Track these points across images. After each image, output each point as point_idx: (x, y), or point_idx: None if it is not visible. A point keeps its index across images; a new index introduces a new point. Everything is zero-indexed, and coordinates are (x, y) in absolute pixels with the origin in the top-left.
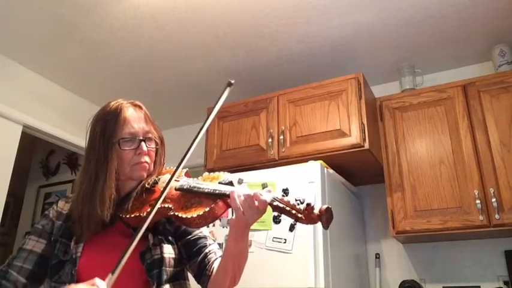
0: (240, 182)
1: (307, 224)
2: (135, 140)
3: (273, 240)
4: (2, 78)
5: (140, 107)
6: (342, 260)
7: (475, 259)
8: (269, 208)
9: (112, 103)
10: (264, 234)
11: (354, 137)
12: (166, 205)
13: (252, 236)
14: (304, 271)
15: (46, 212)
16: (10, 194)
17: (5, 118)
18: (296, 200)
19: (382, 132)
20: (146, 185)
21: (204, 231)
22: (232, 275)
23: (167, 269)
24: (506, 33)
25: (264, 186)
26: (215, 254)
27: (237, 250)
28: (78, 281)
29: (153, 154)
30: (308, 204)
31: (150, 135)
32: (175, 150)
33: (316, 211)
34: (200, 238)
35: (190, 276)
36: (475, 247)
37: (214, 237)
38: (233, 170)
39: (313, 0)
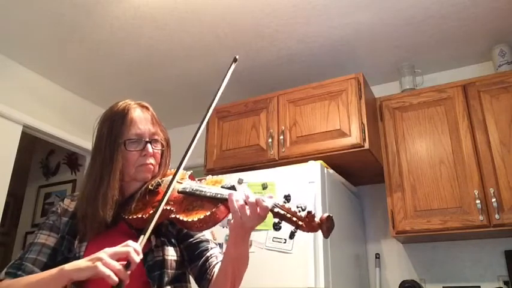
0: (240, 182)
1: (307, 231)
2: (141, 141)
3: (273, 240)
4: (2, 78)
5: (147, 108)
6: (342, 260)
7: (475, 259)
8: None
9: (120, 103)
10: (264, 234)
11: (354, 137)
12: (168, 207)
13: (252, 236)
14: (304, 271)
15: (54, 209)
16: (10, 194)
17: (5, 118)
18: (297, 207)
19: (382, 132)
20: (150, 187)
21: (206, 234)
22: (232, 279)
23: (168, 271)
24: (506, 33)
25: (264, 186)
26: (216, 257)
27: (237, 254)
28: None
29: (159, 156)
30: (309, 212)
31: (156, 136)
32: (175, 150)
33: (317, 219)
34: (202, 241)
35: (191, 279)
36: (475, 247)
37: (214, 238)
38: (233, 170)
39: (313, 0)
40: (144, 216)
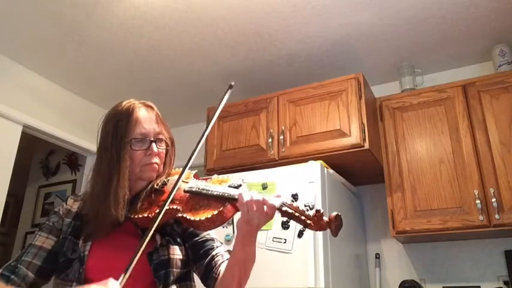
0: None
1: (316, 230)
2: (146, 140)
3: (273, 240)
4: (2, 78)
5: (152, 108)
6: (342, 260)
7: (475, 259)
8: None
9: (124, 103)
10: (264, 234)
11: (354, 137)
12: (174, 206)
13: None
14: (304, 271)
15: (56, 209)
16: (10, 194)
17: (5, 118)
18: (305, 206)
19: (382, 132)
20: (155, 186)
21: (211, 233)
22: (239, 279)
23: (174, 270)
24: (506, 33)
25: (264, 186)
26: (222, 256)
27: (244, 254)
28: (85, 279)
29: (163, 155)
30: (317, 211)
31: (161, 136)
32: (176, 150)
33: (325, 218)
34: (207, 240)
35: (196, 277)
36: (475, 247)
37: None
38: (233, 170)
39: (313, 0)
40: (150, 215)
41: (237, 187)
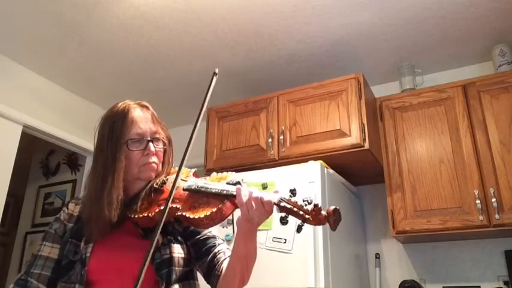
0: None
1: (314, 225)
2: (143, 140)
3: (273, 240)
4: (2, 78)
5: (147, 108)
6: (342, 260)
7: (475, 259)
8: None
9: (119, 104)
10: (264, 234)
11: (354, 137)
12: (174, 205)
13: None
14: (304, 271)
15: (58, 215)
16: (10, 194)
17: (5, 118)
18: (304, 201)
19: (382, 132)
20: (155, 185)
21: (213, 231)
22: (241, 275)
23: (176, 268)
24: (506, 33)
25: (264, 186)
26: (224, 253)
27: (246, 251)
28: (87, 280)
29: (161, 154)
30: (316, 205)
31: (157, 135)
32: (176, 150)
33: (323, 212)
34: (209, 238)
35: (199, 276)
36: (475, 247)
37: None
38: (233, 170)
39: (313, 0)
40: (150, 214)
41: (236, 184)
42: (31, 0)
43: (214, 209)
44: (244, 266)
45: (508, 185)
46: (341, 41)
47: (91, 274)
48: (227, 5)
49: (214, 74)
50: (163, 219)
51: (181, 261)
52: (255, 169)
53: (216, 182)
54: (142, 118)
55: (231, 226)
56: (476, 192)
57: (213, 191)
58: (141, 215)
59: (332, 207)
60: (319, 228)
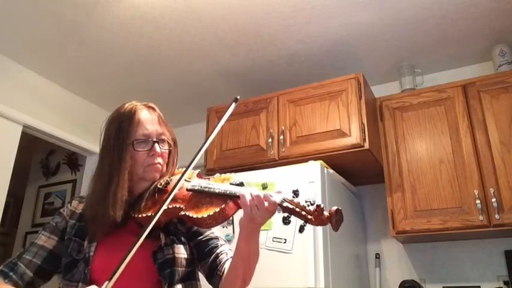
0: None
1: (317, 225)
2: (149, 141)
3: (273, 240)
4: (2, 78)
5: (154, 109)
6: (342, 260)
7: (475, 259)
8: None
9: (126, 105)
10: (264, 234)
11: (354, 137)
12: (177, 205)
13: None
14: (304, 271)
15: (60, 210)
16: (10, 194)
17: (5, 118)
18: (306, 202)
19: (382, 132)
20: (159, 186)
21: (215, 231)
22: (243, 276)
23: (179, 269)
24: (506, 33)
25: (264, 186)
26: (226, 254)
27: (248, 251)
28: (90, 279)
29: (166, 155)
30: (318, 206)
31: (163, 136)
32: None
33: (326, 213)
34: (212, 239)
35: (201, 276)
36: (475, 247)
37: None
38: (233, 170)
39: (313, 0)
40: (153, 214)
41: (239, 185)
42: (31, 0)
43: (217, 209)
44: (247, 267)
45: (508, 185)
46: (341, 41)
47: (94, 273)
48: (227, 5)
49: (235, 100)
50: (158, 215)
51: (184, 262)
52: (255, 169)
53: (220, 183)
54: (149, 119)
55: (231, 226)
56: (476, 192)
57: (216, 191)
58: (144, 215)
59: (334, 208)
60: (319, 228)
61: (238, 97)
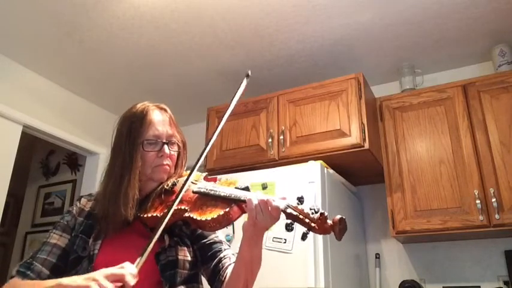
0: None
1: (320, 233)
2: (159, 142)
3: (273, 240)
4: (2, 78)
5: (165, 110)
6: (342, 260)
7: (475, 259)
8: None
9: (138, 105)
10: (264, 234)
11: (354, 137)
12: (182, 207)
13: None
14: (304, 271)
15: (70, 209)
16: (10, 194)
17: (5, 118)
18: (311, 209)
19: (382, 132)
20: (165, 187)
21: (220, 235)
22: (245, 281)
23: (181, 271)
24: (506, 33)
25: (264, 186)
26: (229, 259)
27: (250, 256)
28: None
29: (175, 157)
30: (322, 214)
31: (173, 138)
32: None
33: (329, 221)
34: (216, 242)
35: (204, 280)
36: (475, 247)
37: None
38: (233, 170)
39: (313, 0)
40: (158, 214)
41: (244, 189)
42: (31, 0)
43: (222, 212)
44: (249, 272)
45: (508, 185)
46: (341, 41)
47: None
48: (227, 5)
49: (247, 76)
50: (168, 218)
51: (187, 264)
52: (255, 169)
53: (226, 186)
54: (160, 120)
55: (231, 226)
56: (476, 192)
57: (222, 194)
58: (149, 215)
59: (338, 217)
60: None
61: (249, 72)
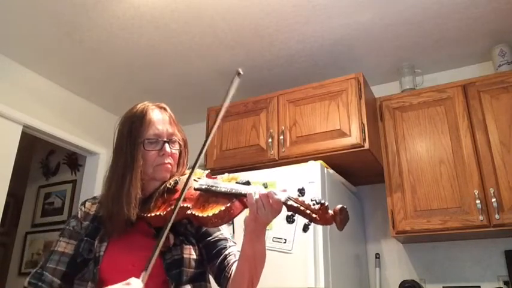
0: (265, 186)
1: (321, 224)
2: (159, 141)
3: (273, 240)
4: (2, 78)
5: (165, 109)
6: (342, 260)
7: (475, 259)
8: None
9: (138, 105)
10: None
11: (354, 137)
12: (185, 204)
13: None
14: (304, 271)
15: (75, 214)
16: (10, 194)
17: (5, 118)
18: (312, 200)
19: (382, 132)
20: (168, 185)
21: (224, 232)
22: (250, 277)
23: (187, 269)
24: (506, 33)
25: (264, 186)
26: (235, 256)
27: (252, 252)
28: (100, 279)
29: (176, 156)
30: (322, 204)
31: (174, 137)
32: None
33: (330, 211)
34: (220, 240)
35: (211, 278)
36: (475, 247)
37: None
38: (233, 170)
39: (313, 0)
40: (162, 213)
41: (245, 183)
42: (31, 0)
43: (223, 208)
44: (253, 268)
45: (508, 185)
46: (341, 41)
47: (103, 272)
48: (227, 5)
49: (238, 74)
50: (173, 218)
51: (193, 263)
52: (255, 169)
53: (227, 182)
54: (160, 119)
55: (231, 226)
56: (476, 192)
57: (223, 190)
58: (153, 214)
59: (339, 206)
60: (320, 228)
61: (240, 70)
